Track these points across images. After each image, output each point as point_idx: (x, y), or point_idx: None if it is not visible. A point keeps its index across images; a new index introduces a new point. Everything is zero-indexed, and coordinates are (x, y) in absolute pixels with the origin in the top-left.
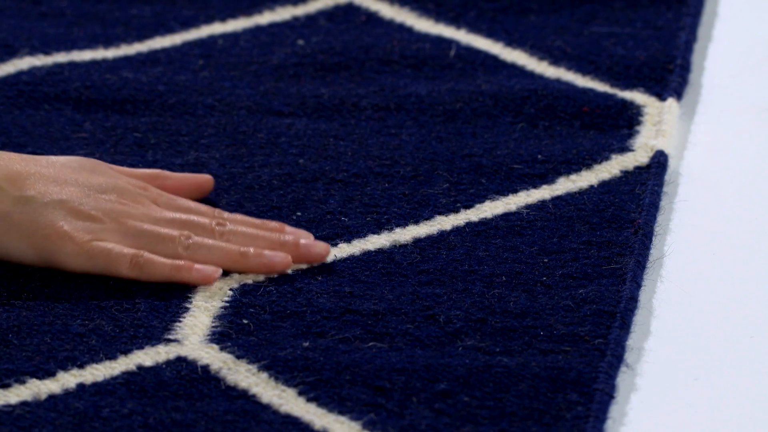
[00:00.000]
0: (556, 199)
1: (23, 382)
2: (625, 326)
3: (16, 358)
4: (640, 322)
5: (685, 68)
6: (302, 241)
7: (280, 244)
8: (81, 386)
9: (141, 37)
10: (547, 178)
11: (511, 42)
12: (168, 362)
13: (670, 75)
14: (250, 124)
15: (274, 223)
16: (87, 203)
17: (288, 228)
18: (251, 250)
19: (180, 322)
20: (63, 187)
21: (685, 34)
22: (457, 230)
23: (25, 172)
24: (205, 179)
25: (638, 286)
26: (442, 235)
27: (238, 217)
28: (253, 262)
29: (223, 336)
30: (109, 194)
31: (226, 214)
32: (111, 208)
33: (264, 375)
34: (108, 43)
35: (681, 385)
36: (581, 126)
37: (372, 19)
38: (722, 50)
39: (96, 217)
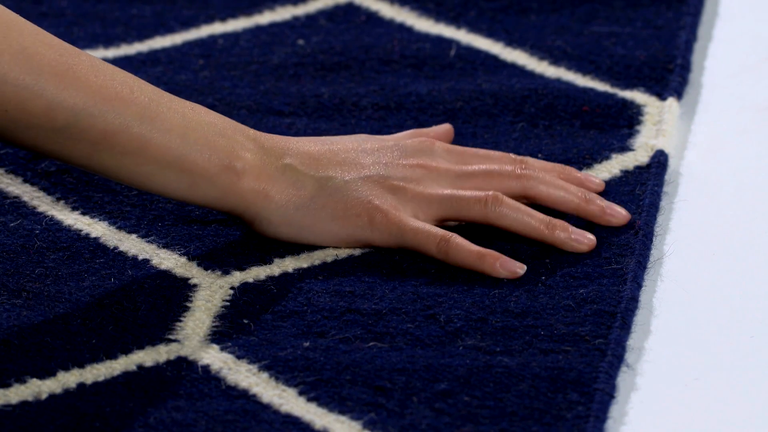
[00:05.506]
0: None
1: (23, 382)
2: (626, 326)
3: (16, 358)
4: (640, 322)
5: (685, 68)
6: (607, 206)
7: (586, 202)
8: (81, 386)
9: (141, 37)
10: None
11: (511, 42)
12: (168, 362)
13: (670, 75)
14: (251, 124)
15: (576, 173)
16: (388, 174)
17: (589, 181)
18: (557, 223)
19: (180, 322)
20: (359, 162)
21: (685, 34)
22: (456, 230)
23: (317, 152)
24: (450, 128)
25: (639, 286)
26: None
27: (537, 162)
28: (560, 236)
29: (223, 336)
30: (406, 158)
31: (527, 158)
32: (413, 175)
33: (264, 375)
34: (108, 43)
35: (681, 385)
36: (581, 125)
37: (372, 19)
38: (722, 50)
39: (400, 188)
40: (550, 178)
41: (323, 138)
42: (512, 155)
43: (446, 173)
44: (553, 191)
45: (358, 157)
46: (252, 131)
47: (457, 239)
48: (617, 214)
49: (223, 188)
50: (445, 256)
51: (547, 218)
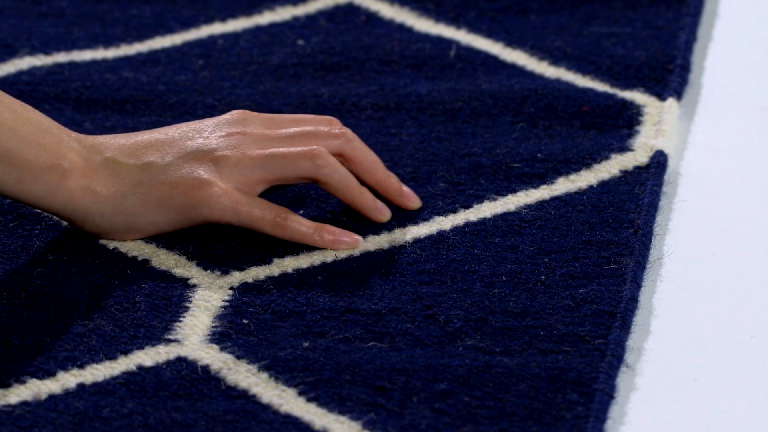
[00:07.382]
0: (556, 199)
1: (23, 382)
2: (625, 326)
3: (16, 358)
4: (640, 322)
5: (685, 68)
6: (405, 188)
7: (387, 176)
8: (81, 386)
9: (141, 37)
10: (547, 178)
11: (511, 42)
12: (168, 362)
13: (670, 75)
14: None
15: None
16: (206, 147)
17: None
18: (366, 193)
19: (180, 322)
20: (177, 144)
21: (685, 34)
22: (456, 230)
23: (136, 142)
24: None
25: (638, 286)
26: (442, 235)
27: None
28: (368, 200)
29: (223, 336)
30: (222, 130)
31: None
32: (230, 143)
33: (264, 375)
34: (108, 43)
35: (681, 385)
36: (581, 126)
37: (372, 19)
38: (722, 50)
39: (221, 157)
40: (364, 144)
41: (142, 131)
42: (326, 116)
43: (263, 137)
44: (369, 155)
45: (175, 139)
46: (74, 133)
47: (293, 215)
48: (412, 197)
49: (50, 186)
50: (282, 231)
51: (362, 188)
